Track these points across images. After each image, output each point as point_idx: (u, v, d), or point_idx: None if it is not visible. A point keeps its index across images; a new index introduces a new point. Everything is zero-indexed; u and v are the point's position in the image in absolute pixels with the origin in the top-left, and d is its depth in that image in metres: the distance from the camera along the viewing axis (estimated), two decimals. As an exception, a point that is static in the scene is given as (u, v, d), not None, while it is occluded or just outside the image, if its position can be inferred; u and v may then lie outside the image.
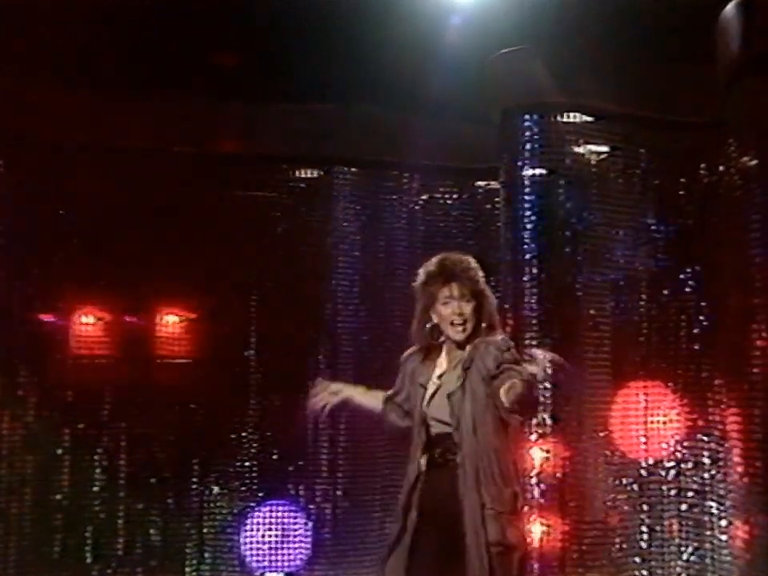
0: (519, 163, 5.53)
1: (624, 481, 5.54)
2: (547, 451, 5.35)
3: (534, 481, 5.35)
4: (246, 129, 5.99)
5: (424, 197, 6.34)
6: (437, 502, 3.65)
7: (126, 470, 6.04)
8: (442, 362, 3.78)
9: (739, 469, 4.96)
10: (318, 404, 3.83)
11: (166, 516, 6.05)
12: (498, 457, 3.61)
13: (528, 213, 5.51)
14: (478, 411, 3.64)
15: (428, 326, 3.74)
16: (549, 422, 5.35)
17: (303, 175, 6.26)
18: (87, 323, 6.01)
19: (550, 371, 3.57)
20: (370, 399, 3.90)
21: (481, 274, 3.78)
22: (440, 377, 3.76)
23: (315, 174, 6.25)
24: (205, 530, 6.11)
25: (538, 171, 5.50)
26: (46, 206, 5.83)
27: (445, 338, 3.79)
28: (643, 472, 5.56)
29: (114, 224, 5.90)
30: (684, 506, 5.53)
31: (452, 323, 3.70)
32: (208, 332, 6.15)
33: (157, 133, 5.85)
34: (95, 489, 6.02)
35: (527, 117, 5.52)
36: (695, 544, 5.48)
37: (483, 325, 3.73)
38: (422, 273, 3.75)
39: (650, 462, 5.57)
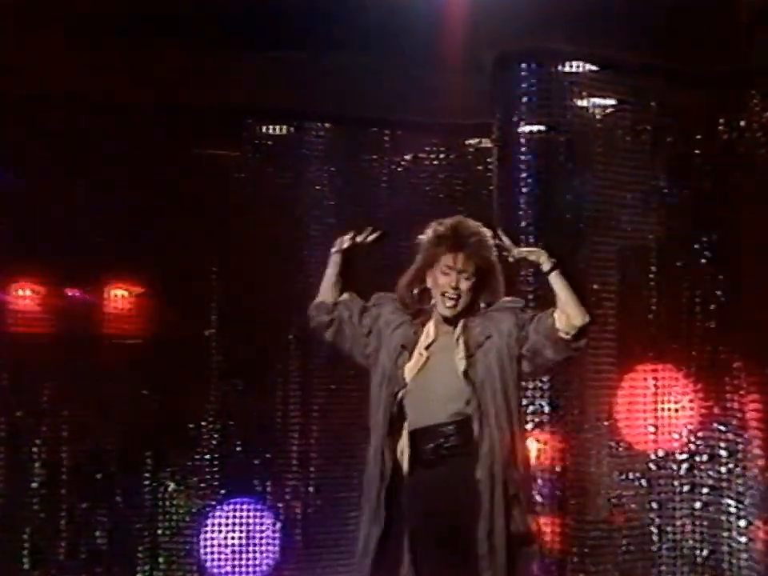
0: (515, 118, 5.50)
1: (631, 475, 5.52)
2: (545, 442, 5.36)
3: None
4: (205, 78, 5.80)
5: (407, 157, 6.28)
6: (434, 501, 3.56)
7: (68, 463, 5.96)
8: (430, 331, 3.68)
9: (760, 462, 5.08)
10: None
11: (115, 516, 5.99)
12: (515, 439, 3.58)
13: (524, 175, 5.48)
14: (499, 392, 3.58)
15: (419, 288, 3.68)
16: (546, 409, 5.35)
17: (271, 131, 6.18)
18: (22, 297, 5.96)
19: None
20: (331, 280, 3.78)
21: (494, 251, 3.70)
22: (427, 347, 3.66)
23: (284, 131, 6.18)
24: (159, 532, 6.04)
25: (535, 127, 5.48)
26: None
27: (433, 308, 3.70)
28: (652, 466, 5.55)
29: (54, 184, 5.82)
30: (698, 504, 5.52)
31: (444, 294, 3.64)
32: (162, 308, 6.08)
33: (103, 81, 5.71)
34: (33, 485, 5.96)
35: (524, 65, 5.49)
36: (711, 546, 5.48)
37: (482, 306, 3.68)
38: (430, 231, 3.69)
39: (660, 454, 5.56)
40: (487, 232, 3.69)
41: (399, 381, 3.62)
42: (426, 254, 3.67)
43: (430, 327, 3.69)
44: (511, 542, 3.52)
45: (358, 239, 3.75)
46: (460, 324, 3.65)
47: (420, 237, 3.69)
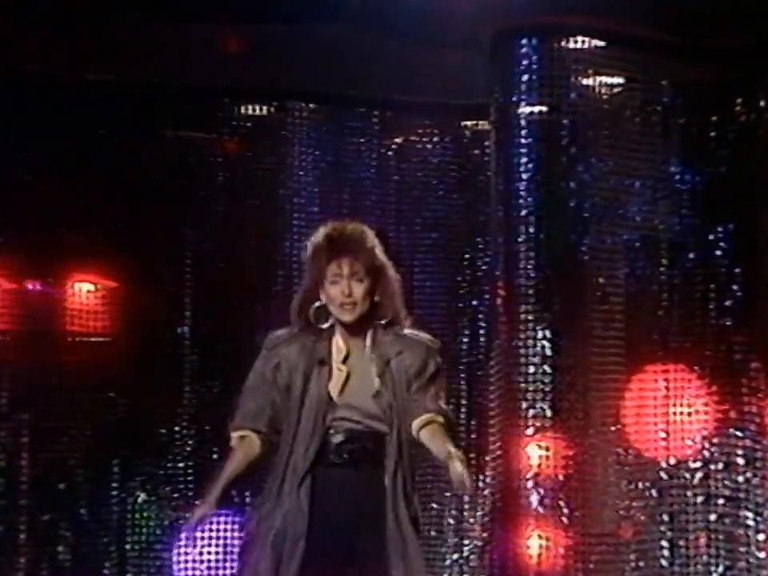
0: (514, 98, 5.48)
1: (640, 485, 5.50)
2: (547, 448, 5.33)
3: (530, 485, 5.30)
4: (178, 54, 5.73)
5: (398, 140, 6.25)
6: (333, 506, 3.64)
7: (28, 472, 5.90)
8: (340, 345, 3.74)
9: (780, 471, 5.23)
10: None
11: (79, 529, 5.94)
12: (411, 460, 3.70)
13: (524, 159, 5.46)
14: (401, 409, 3.66)
15: (315, 306, 3.73)
16: (548, 413, 5.32)
17: (250, 112, 6.15)
18: (-23, 291, 5.97)
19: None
20: (238, 464, 3.74)
21: (379, 248, 3.75)
22: (344, 361, 3.72)
23: (264, 111, 6.16)
24: (127, 547, 5.99)
25: (536, 108, 5.47)
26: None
27: (334, 321, 3.75)
28: (663, 474, 5.53)
29: (12, 168, 5.75)
30: (713, 517, 5.49)
31: (341, 305, 3.69)
32: (131, 304, 6.04)
33: (64, 57, 5.66)
34: (-9, 496, 5.96)
35: (524, 41, 5.46)
36: (727, 563, 5.47)
37: (380, 310, 3.73)
38: (309, 245, 3.78)
39: (672, 462, 5.54)
40: (367, 231, 3.75)
41: (323, 400, 3.67)
42: (310, 270, 3.74)
43: (339, 341, 3.74)
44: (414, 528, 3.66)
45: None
46: (369, 336, 3.72)
47: (303, 256, 3.80)
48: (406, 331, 3.72)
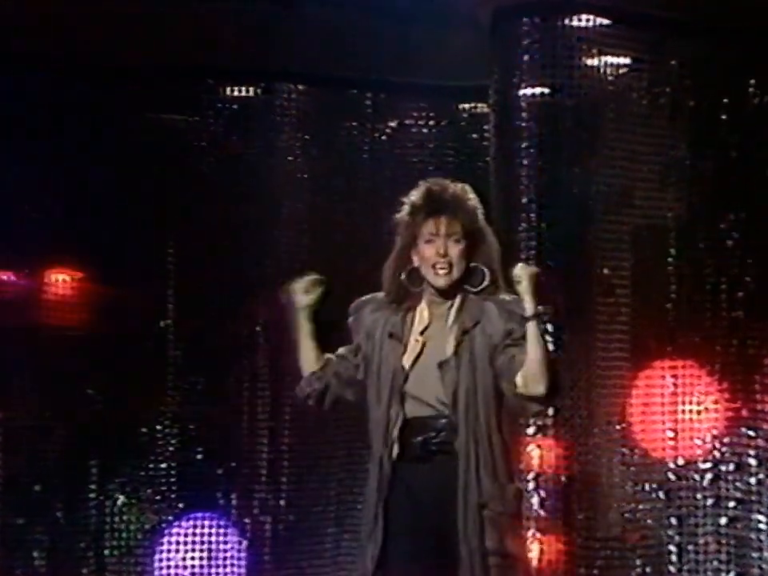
0: (515, 80, 5.45)
1: (647, 487, 5.47)
2: (548, 448, 5.33)
3: (531, 486, 5.28)
4: (158, 32, 5.69)
5: (392, 123, 6.23)
6: (419, 509, 3.59)
7: (1, 473, 5.88)
8: (423, 315, 3.68)
9: (795, 472, 5.24)
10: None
11: (55, 534, 5.89)
12: (501, 444, 3.60)
13: (525, 144, 5.42)
14: (480, 386, 3.59)
15: (406, 270, 3.67)
16: (550, 410, 5.24)
17: (235, 93, 6.12)
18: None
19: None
20: (308, 349, 3.78)
21: (480, 208, 3.70)
22: (422, 332, 3.66)
23: (251, 93, 6.12)
24: (106, 552, 5.96)
25: (538, 90, 5.45)
26: None
27: (425, 287, 3.69)
28: (671, 476, 5.51)
29: None
30: (724, 520, 5.46)
31: (434, 266, 3.63)
32: (111, 296, 6.01)
33: (36, 35, 5.57)
34: (-39, 499, 5.97)
35: (525, 19, 5.43)
36: (738, 569, 5.44)
37: (475, 277, 3.67)
38: (405, 203, 3.71)
39: (681, 462, 5.52)
40: (469, 190, 3.70)
41: (398, 372, 3.62)
42: (404, 230, 3.70)
43: (424, 310, 3.68)
44: (488, 561, 3.53)
45: (308, 291, 3.76)
46: (456, 303, 3.64)
47: (395, 216, 3.73)
48: (495, 297, 3.61)
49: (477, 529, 3.50)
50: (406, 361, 3.61)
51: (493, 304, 3.60)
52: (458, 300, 3.63)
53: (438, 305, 3.64)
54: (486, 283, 3.61)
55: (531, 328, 3.49)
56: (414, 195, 3.67)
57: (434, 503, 3.57)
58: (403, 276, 3.65)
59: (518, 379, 3.51)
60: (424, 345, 3.62)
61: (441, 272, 3.59)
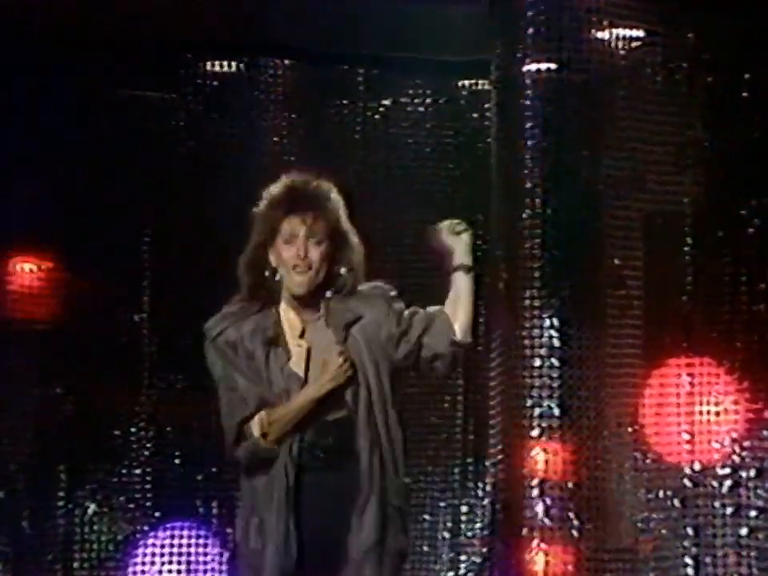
0: (518, 55, 5.41)
1: (661, 494, 5.44)
2: (554, 452, 5.27)
3: (535, 493, 5.22)
4: (133, 1, 5.65)
5: (385, 102, 6.25)
6: (321, 522, 3.60)
7: None
8: (291, 317, 3.68)
9: (819, 479, 5.22)
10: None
11: (19, 544, 5.86)
12: (401, 440, 3.67)
13: (530, 124, 5.39)
14: (375, 381, 3.63)
15: (268, 268, 3.66)
16: (556, 411, 5.25)
17: (216, 69, 6.14)
18: None
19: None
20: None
21: (343, 208, 3.71)
22: (301, 337, 3.66)
23: (233, 68, 6.14)
24: (75, 565, 5.92)
25: (544, 66, 5.39)
26: None
27: (284, 288, 3.69)
28: (687, 482, 5.47)
29: None
30: (744, 531, 5.38)
31: (294, 268, 3.62)
32: (80, 287, 5.98)
33: (10, 7, 5.52)
34: None
35: None
36: None
37: (338, 282, 3.68)
38: (264, 195, 3.72)
39: (697, 468, 5.47)
40: (332, 188, 3.71)
41: (292, 379, 3.62)
42: (261, 225, 3.69)
43: (289, 312, 3.68)
44: (389, 561, 3.63)
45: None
46: (322, 307, 3.66)
47: (253, 210, 3.75)
48: (360, 290, 3.69)
49: (378, 525, 3.56)
50: (296, 367, 3.60)
51: (364, 296, 3.65)
52: (323, 303, 3.63)
53: (304, 309, 3.65)
54: (348, 288, 3.64)
55: (463, 278, 3.65)
56: (275, 188, 3.67)
57: (326, 505, 3.60)
58: (267, 273, 3.63)
59: (458, 332, 3.63)
60: (309, 350, 3.63)
61: (299, 278, 3.60)
